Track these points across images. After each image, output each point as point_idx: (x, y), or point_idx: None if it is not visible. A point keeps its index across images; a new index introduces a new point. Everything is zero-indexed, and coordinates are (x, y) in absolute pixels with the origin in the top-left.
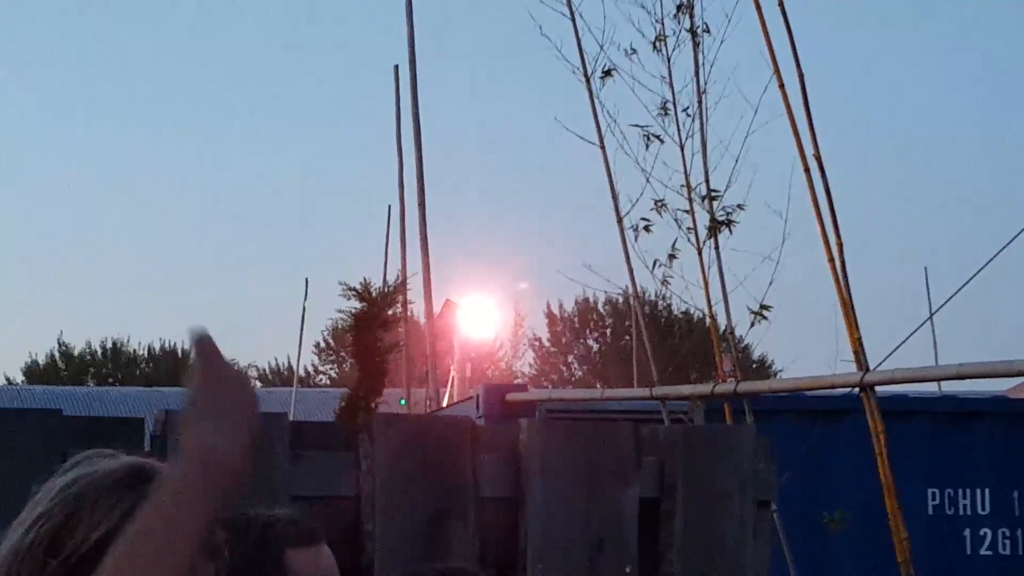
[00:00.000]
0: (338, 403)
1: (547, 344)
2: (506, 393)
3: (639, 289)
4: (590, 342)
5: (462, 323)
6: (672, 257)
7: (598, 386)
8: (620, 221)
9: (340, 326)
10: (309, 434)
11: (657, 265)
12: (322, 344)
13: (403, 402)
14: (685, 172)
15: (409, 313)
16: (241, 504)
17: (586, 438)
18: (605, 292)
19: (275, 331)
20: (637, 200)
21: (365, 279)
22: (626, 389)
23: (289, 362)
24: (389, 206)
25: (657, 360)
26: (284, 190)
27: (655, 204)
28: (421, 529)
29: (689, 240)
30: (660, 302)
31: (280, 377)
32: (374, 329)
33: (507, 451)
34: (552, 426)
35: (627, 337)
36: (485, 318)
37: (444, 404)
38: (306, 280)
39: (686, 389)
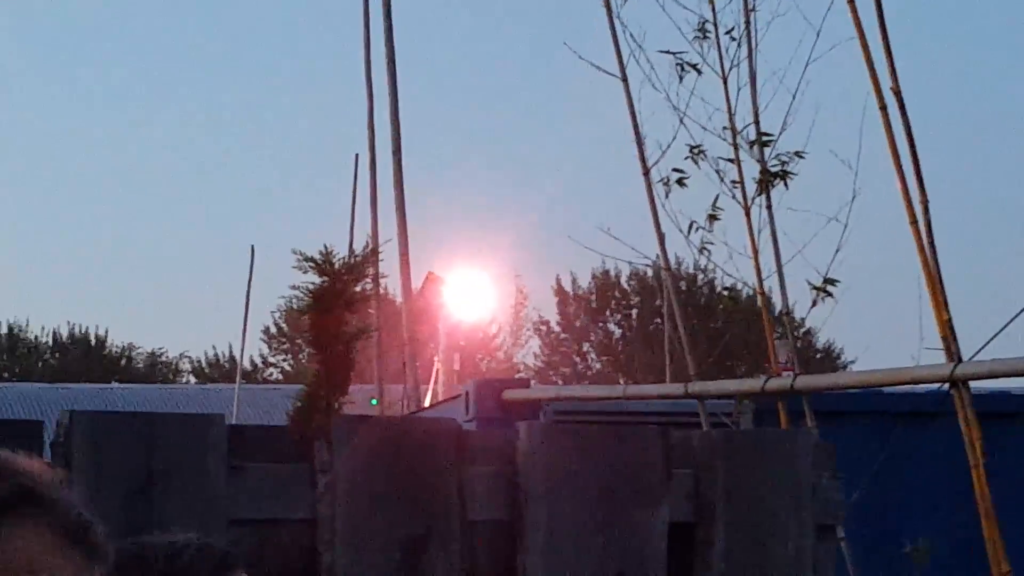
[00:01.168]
0: (292, 403)
1: (556, 329)
2: (503, 390)
3: (671, 259)
4: (611, 326)
5: (449, 302)
6: (713, 218)
7: (620, 382)
8: (647, 173)
9: (294, 307)
10: (253, 441)
11: (694, 229)
12: (272, 330)
13: (374, 402)
14: (729, 111)
15: (382, 290)
16: (147, 532)
17: (603, 447)
18: (629, 263)
19: (213, 313)
20: (668, 146)
21: (326, 247)
22: (655, 385)
23: (231, 352)
24: (356, 155)
25: (694, 349)
26: (223, 135)
27: (691, 151)
28: (393, 561)
29: (734, 197)
30: (699, 276)
31: (219, 370)
32: (337, 310)
33: (502, 463)
34: (560, 432)
35: (657, 320)
36: (478, 296)
37: (426, 404)
38: (251, 248)
39: (730, 385)
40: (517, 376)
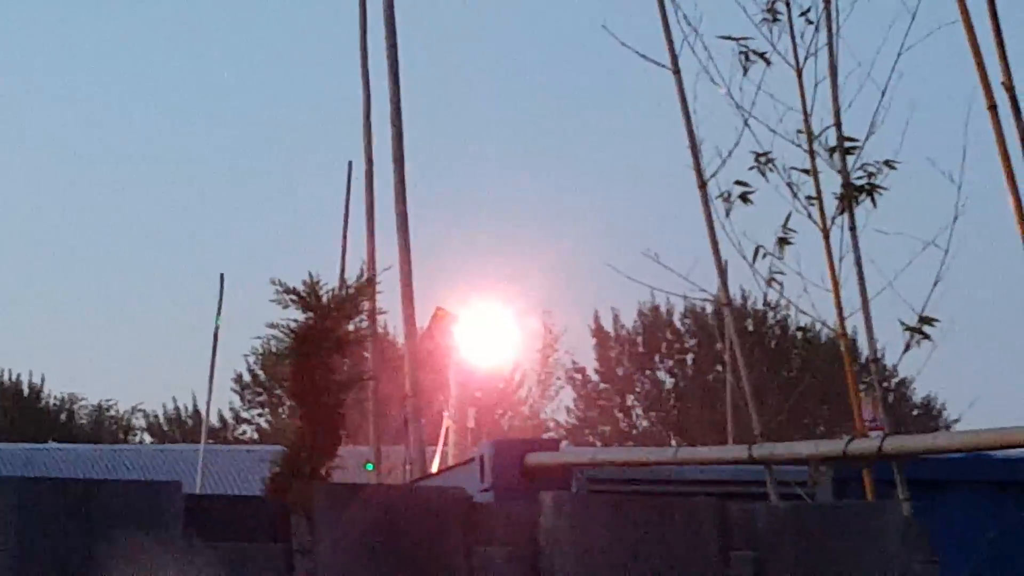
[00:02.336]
0: (268, 468)
1: (594, 378)
2: (526, 453)
3: (734, 293)
4: (660, 375)
5: (462, 344)
6: (784, 242)
7: (672, 443)
8: (703, 186)
9: (273, 350)
10: (217, 514)
11: (761, 255)
12: (246, 378)
13: (369, 467)
14: (804, 110)
15: (380, 329)
16: None
17: (646, 524)
18: (684, 297)
19: (174, 357)
20: (729, 153)
21: (311, 276)
22: (714, 447)
23: (195, 405)
24: (350, 163)
25: (761, 403)
26: (186, 141)
27: (757, 160)
28: None
29: (810, 216)
30: (767, 313)
31: (181, 428)
32: (325, 353)
33: (523, 543)
34: (594, 505)
35: (718, 368)
36: (497, 337)
37: (433, 470)
38: (220, 278)
39: (804, 447)
40: (544, 436)
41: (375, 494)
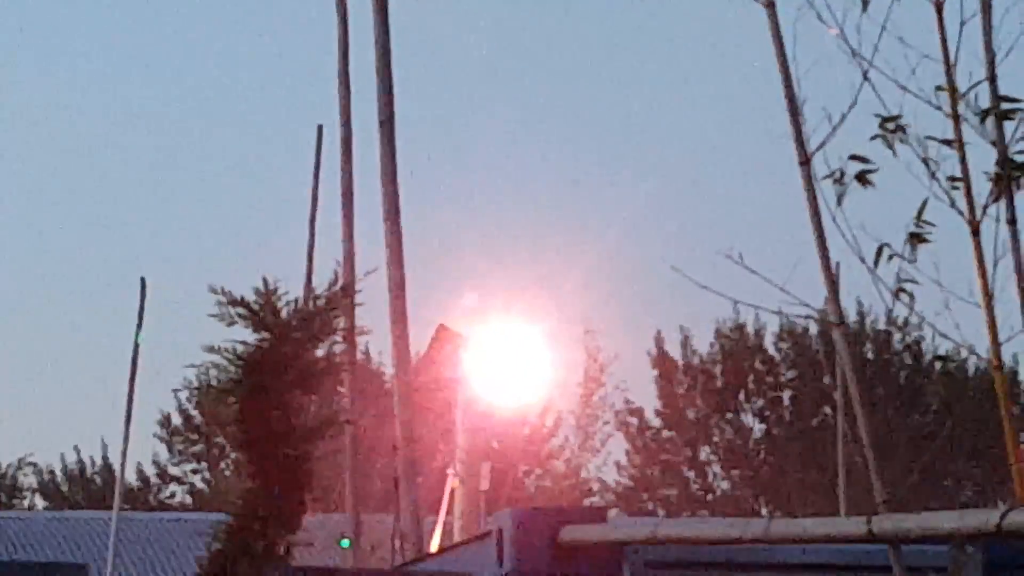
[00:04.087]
0: (206, 544)
1: (655, 422)
2: (560, 526)
3: (847, 308)
4: (748, 419)
5: (473, 377)
6: (917, 239)
7: (763, 512)
8: (806, 162)
9: (213, 382)
10: None
11: (886, 257)
12: (176, 420)
13: (345, 543)
14: (945, 58)
15: (361, 354)
16: None
17: None
18: (780, 313)
19: (78, 394)
20: (843, 118)
21: (266, 283)
22: (819, 520)
23: (106, 457)
24: (319, 128)
25: (886, 458)
26: (92, 95)
27: (882, 126)
28: None
29: (953, 204)
30: (894, 336)
31: (86, 489)
32: (284, 388)
33: None
34: None
35: (826, 410)
36: (521, 366)
37: (433, 547)
38: (142, 283)
39: (945, 520)
40: (586, 504)
41: None
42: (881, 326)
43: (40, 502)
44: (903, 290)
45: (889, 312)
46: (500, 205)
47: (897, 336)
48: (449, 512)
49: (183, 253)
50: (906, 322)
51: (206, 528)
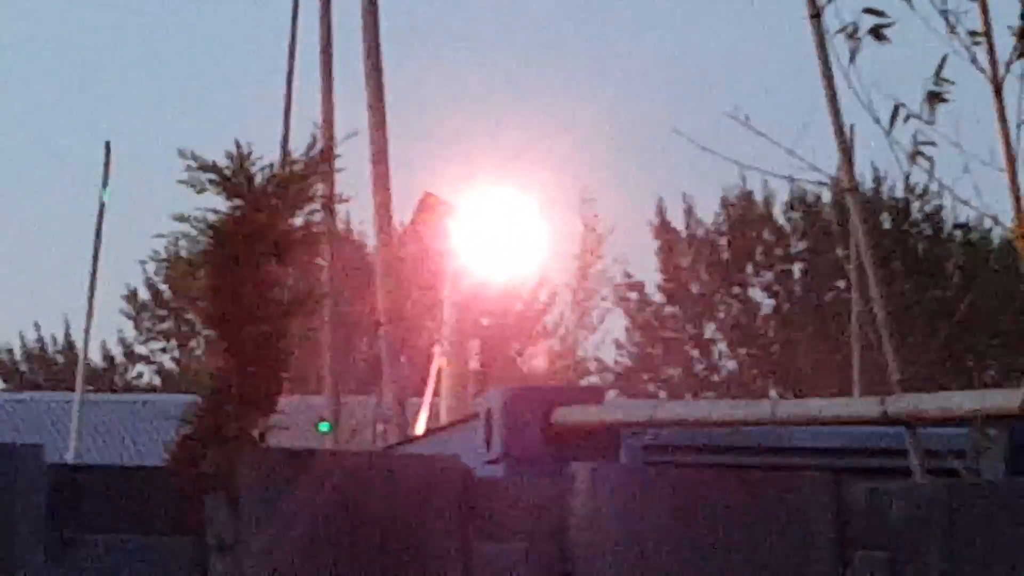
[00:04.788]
0: (176, 427)
1: (658, 298)
2: (553, 407)
3: (862, 174)
4: (756, 293)
5: (460, 248)
6: (936, 99)
7: (772, 393)
8: (817, 15)
9: (181, 255)
10: (98, 494)
11: (903, 118)
12: (143, 295)
13: (325, 426)
14: None
15: (342, 224)
16: None
17: (726, 510)
18: (790, 179)
19: (37, 266)
20: None
21: (239, 146)
22: (831, 400)
23: (68, 336)
24: None
25: (904, 336)
26: None
27: None
28: None
29: (974, 61)
30: (912, 203)
31: (48, 369)
32: (259, 260)
33: (544, 536)
34: (650, 481)
35: (839, 284)
36: (513, 236)
37: (419, 430)
38: (106, 147)
39: (965, 400)
40: (582, 384)
41: (329, 466)
42: (899, 194)
43: None
44: (920, 153)
45: (906, 177)
46: (490, 64)
47: (916, 205)
48: (436, 393)
49: (153, 119)
50: (925, 190)
51: (175, 411)
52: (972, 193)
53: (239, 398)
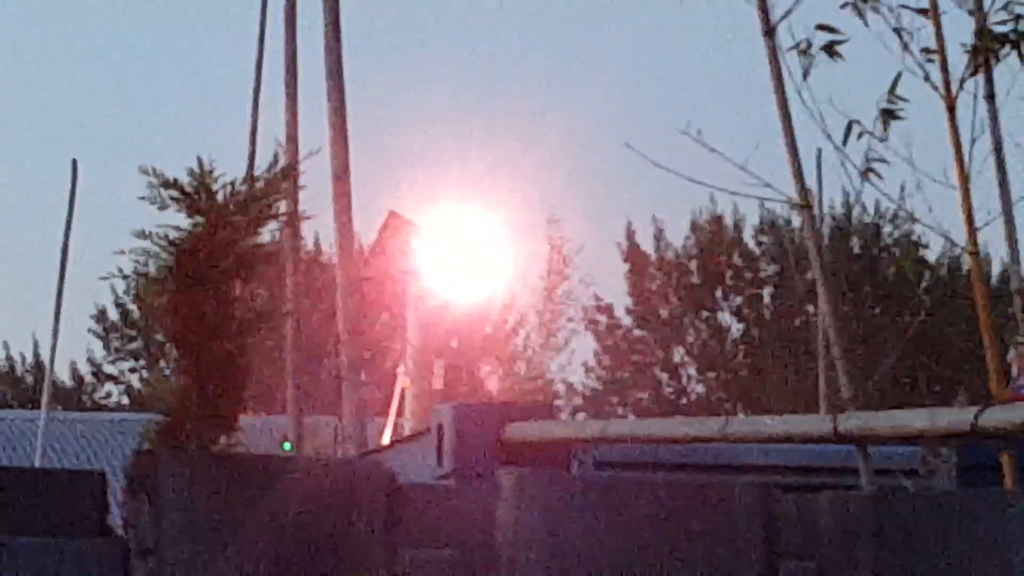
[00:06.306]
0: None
1: (625, 321)
2: (504, 423)
3: (829, 196)
4: (723, 317)
5: (427, 268)
6: (890, 116)
7: (742, 416)
8: (770, 32)
9: (146, 272)
10: (29, 495)
11: (855, 135)
12: (112, 315)
13: (287, 446)
14: None
15: (306, 243)
16: None
17: (653, 517)
18: (761, 200)
19: (7, 287)
20: None
21: (200, 162)
22: (783, 418)
23: (37, 354)
24: None
25: (856, 354)
26: None
27: None
28: None
29: (927, 78)
30: (870, 220)
31: (16, 388)
32: (220, 277)
33: (469, 541)
34: (572, 488)
35: (809, 309)
36: (481, 258)
37: (382, 443)
38: (73, 165)
39: (915, 418)
40: (551, 403)
41: (250, 466)
42: (866, 216)
43: None
44: (872, 170)
45: (858, 194)
46: (454, 83)
47: (887, 230)
48: (400, 413)
49: (120, 136)
50: (895, 215)
51: (141, 429)
52: (924, 210)
53: (199, 415)
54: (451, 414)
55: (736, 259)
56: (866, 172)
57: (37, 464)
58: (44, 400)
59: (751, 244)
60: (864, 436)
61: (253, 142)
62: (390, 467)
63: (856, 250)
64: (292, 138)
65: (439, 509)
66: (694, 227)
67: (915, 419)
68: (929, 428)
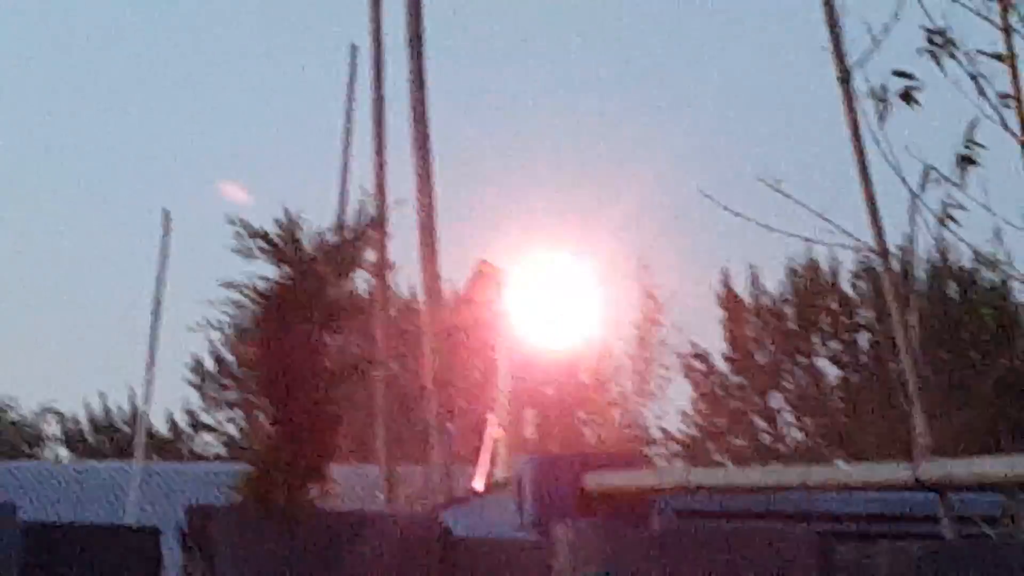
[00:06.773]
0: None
1: (722, 368)
2: (582, 473)
3: (888, 243)
4: (822, 363)
5: (517, 316)
6: (967, 162)
7: (839, 464)
8: (845, 79)
9: (243, 323)
10: (77, 549)
11: (933, 180)
12: (208, 365)
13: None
14: None
15: (391, 290)
16: None
17: (711, 563)
18: (856, 248)
19: (104, 337)
20: (886, 30)
21: (287, 213)
22: (863, 466)
23: (134, 404)
24: (353, 46)
25: (938, 402)
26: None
27: (929, 39)
28: None
29: (1005, 125)
30: (954, 265)
31: (113, 439)
32: (307, 326)
33: None
34: (636, 537)
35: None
36: (572, 306)
37: (471, 491)
38: (165, 215)
39: (996, 465)
40: (624, 451)
41: (308, 522)
42: (933, 253)
43: (63, 452)
44: (950, 216)
45: (938, 241)
46: (543, 131)
47: (958, 266)
48: (492, 463)
49: (211, 185)
50: (993, 262)
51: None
52: (1004, 255)
53: (288, 466)
54: (531, 465)
55: (833, 304)
56: (943, 219)
57: (128, 517)
58: (139, 451)
59: (848, 289)
60: (944, 483)
61: (344, 188)
62: (445, 521)
63: (954, 295)
64: (380, 186)
65: (496, 562)
66: (790, 272)
67: (995, 466)
68: (1009, 474)
